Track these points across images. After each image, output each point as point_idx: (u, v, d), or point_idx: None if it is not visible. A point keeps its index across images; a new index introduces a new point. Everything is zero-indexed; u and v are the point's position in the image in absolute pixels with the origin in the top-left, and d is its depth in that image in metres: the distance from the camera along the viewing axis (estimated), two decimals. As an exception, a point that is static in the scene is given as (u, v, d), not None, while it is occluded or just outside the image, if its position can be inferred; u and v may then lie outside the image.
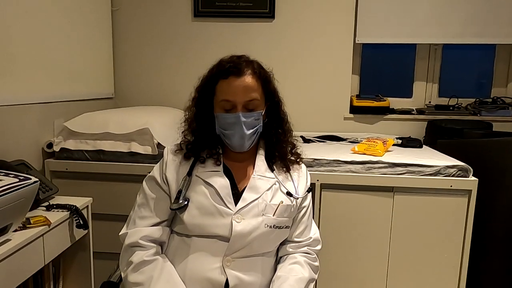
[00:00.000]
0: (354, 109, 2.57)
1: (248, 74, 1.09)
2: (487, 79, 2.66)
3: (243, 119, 1.08)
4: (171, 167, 1.14)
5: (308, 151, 1.83)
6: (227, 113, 1.09)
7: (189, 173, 1.12)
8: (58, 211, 1.42)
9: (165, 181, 1.13)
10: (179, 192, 1.09)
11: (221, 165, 1.14)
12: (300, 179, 1.20)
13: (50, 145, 1.90)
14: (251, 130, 1.10)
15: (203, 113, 1.16)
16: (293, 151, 1.23)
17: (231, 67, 1.09)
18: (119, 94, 2.66)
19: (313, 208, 1.67)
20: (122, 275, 1.09)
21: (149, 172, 1.18)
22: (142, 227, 1.09)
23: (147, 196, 1.13)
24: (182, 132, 1.20)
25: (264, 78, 1.14)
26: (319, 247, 1.21)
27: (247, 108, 1.09)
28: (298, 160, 1.23)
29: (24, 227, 1.24)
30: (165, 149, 1.20)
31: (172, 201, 1.09)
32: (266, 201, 1.10)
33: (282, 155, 1.19)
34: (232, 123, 1.09)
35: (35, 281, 1.45)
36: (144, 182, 1.17)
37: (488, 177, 1.77)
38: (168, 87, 2.64)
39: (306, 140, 2.28)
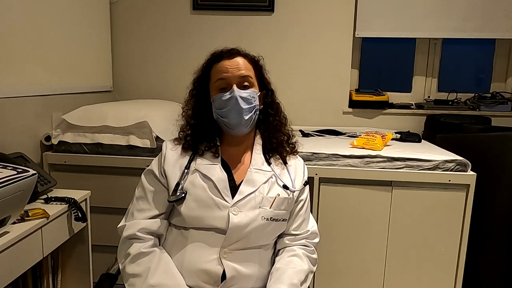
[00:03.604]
0: (353, 104, 2.56)
1: (239, 56, 1.15)
2: (486, 74, 2.65)
3: (238, 93, 1.09)
4: (170, 161, 1.14)
5: (307, 145, 1.84)
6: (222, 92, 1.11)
7: (188, 166, 1.13)
8: (56, 203, 1.42)
9: (164, 174, 1.13)
10: (177, 184, 1.09)
11: (219, 158, 1.14)
12: (297, 172, 1.20)
13: (48, 138, 1.89)
14: (248, 106, 1.11)
15: (200, 103, 1.17)
16: (289, 141, 1.23)
17: (223, 52, 1.15)
18: (118, 87, 2.65)
19: (312, 202, 1.68)
20: (120, 267, 1.09)
21: (148, 166, 1.19)
22: (140, 220, 1.10)
23: (145, 189, 1.14)
24: (180, 127, 1.21)
25: (256, 62, 1.18)
26: (317, 240, 1.21)
27: (242, 86, 1.12)
28: (294, 151, 1.23)
29: (22, 219, 1.24)
30: (164, 142, 1.20)
31: (170, 194, 1.09)
32: (263, 194, 1.10)
33: (278, 145, 1.20)
34: (228, 99, 1.10)
35: (33, 274, 1.46)
36: (142, 176, 1.17)
37: (487, 171, 1.78)
38: (166, 80, 2.63)
39: (305, 134, 2.28)
